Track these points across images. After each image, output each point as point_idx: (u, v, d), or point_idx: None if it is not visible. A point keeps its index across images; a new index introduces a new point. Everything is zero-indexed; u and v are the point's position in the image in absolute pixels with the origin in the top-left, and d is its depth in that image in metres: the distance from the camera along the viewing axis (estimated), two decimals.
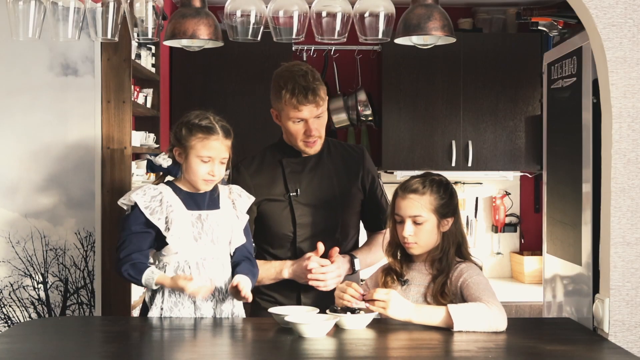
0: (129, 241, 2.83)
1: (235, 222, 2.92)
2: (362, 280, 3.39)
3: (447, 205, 2.76)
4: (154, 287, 2.81)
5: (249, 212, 3.03)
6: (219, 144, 2.86)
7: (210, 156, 2.84)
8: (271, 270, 3.06)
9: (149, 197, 2.84)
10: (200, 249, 2.85)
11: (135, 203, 2.83)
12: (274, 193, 3.08)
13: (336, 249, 2.98)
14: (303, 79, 2.94)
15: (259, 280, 3.05)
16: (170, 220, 2.81)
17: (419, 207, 2.73)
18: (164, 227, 2.81)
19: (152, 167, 2.95)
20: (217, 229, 2.87)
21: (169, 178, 2.96)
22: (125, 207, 2.89)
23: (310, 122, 2.97)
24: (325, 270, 2.95)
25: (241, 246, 2.94)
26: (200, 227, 2.85)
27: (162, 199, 2.84)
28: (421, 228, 2.74)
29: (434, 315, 2.60)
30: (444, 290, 2.70)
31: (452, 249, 2.76)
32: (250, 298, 2.80)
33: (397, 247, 2.83)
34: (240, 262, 2.93)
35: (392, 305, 2.58)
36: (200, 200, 2.89)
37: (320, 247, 2.96)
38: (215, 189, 2.93)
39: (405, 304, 2.61)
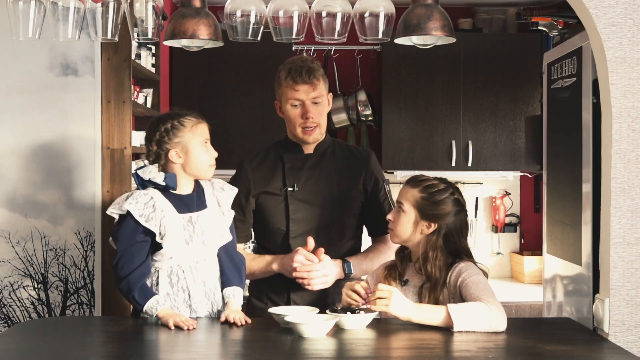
0: (129, 255, 2.79)
1: (221, 219, 2.92)
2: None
3: (429, 209, 2.75)
4: (152, 318, 2.77)
5: (246, 204, 3.07)
6: (205, 125, 2.91)
7: (207, 138, 2.89)
8: (262, 263, 3.08)
9: (142, 204, 2.80)
10: (192, 252, 2.84)
11: (128, 212, 2.79)
12: (272, 187, 3.09)
13: (321, 250, 2.98)
14: (301, 62, 3.03)
15: (252, 273, 3.08)
16: (163, 225, 2.79)
17: (404, 196, 2.79)
18: (158, 233, 2.80)
19: (142, 184, 2.87)
20: (207, 229, 2.86)
21: None
22: (115, 216, 2.84)
23: (307, 105, 3.00)
24: (310, 268, 2.95)
25: (226, 244, 2.92)
26: (192, 229, 2.84)
27: (154, 204, 2.81)
28: (399, 216, 2.78)
29: (434, 315, 2.60)
30: (437, 303, 2.70)
31: (436, 258, 2.73)
32: (249, 320, 2.77)
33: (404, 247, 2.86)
34: (224, 269, 2.91)
35: (393, 302, 2.59)
36: (190, 202, 2.88)
37: (310, 242, 2.96)
38: (199, 187, 2.92)
39: (406, 302, 2.61)
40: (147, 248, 2.81)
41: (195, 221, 2.85)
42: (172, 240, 2.79)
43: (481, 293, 2.63)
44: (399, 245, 2.89)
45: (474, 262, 2.78)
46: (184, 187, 2.88)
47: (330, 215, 3.09)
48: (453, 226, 2.77)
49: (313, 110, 3.01)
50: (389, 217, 2.82)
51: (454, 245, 2.77)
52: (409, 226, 2.77)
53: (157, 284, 2.82)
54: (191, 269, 2.84)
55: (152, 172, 2.86)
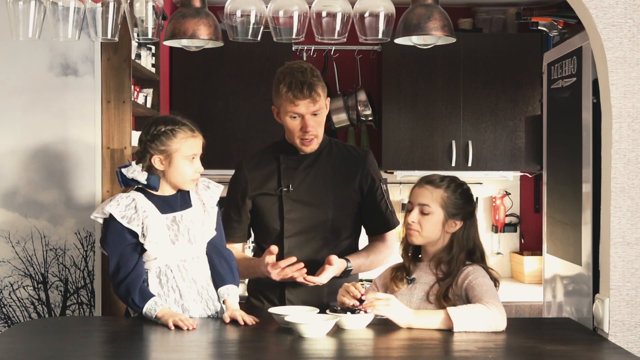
0: (123, 258, 2.79)
1: (207, 217, 2.91)
2: (360, 280, 3.40)
3: (459, 207, 2.78)
4: (152, 319, 2.76)
5: (243, 204, 3.08)
6: (198, 140, 2.88)
7: (195, 153, 2.86)
8: (249, 270, 3.10)
9: (123, 206, 2.81)
10: (179, 251, 2.84)
11: (111, 215, 2.80)
12: (268, 187, 3.10)
13: (333, 258, 2.95)
14: (301, 74, 2.97)
15: (242, 275, 3.08)
16: (145, 226, 2.80)
17: (429, 198, 2.78)
18: (141, 234, 2.80)
19: (125, 182, 2.87)
20: (192, 227, 2.86)
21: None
22: (100, 221, 2.85)
23: (306, 119, 2.99)
24: (315, 280, 2.93)
25: (211, 241, 2.92)
26: (177, 229, 2.84)
27: (136, 206, 2.81)
28: (426, 218, 2.77)
29: (433, 319, 2.61)
30: (447, 294, 2.71)
31: (461, 254, 2.77)
32: (255, 320, 2.77)
33: (409, 244, 2.85)
34: (215, 267, 2.91)
35: (392, 309, 2.59)
36: (174, 202, 2.88)
37: (274, 248, 2.94)
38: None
39: (405, 310, 2.61)
40: (139, 249, 2.81)
41: (179, 220, 2.85)
42: (155, 240, 2.80)
43: (483, 294, 2.64)
44: (398, 244, 2.89)
45: (485, 267, 2.79)
46: (167, 190, 2.89)
47: (326, 215, 3.09)
48: (474, 222, 2.82)
49: (312, 122, 3.01)
50: (411, 220, 2.78)
51: (473, 242, 2.80)
52: (438, 227, 2.78)
53: (147, 285, 2.82)
54: (179, 268, 2.85)
55: (135, 171, 2.85)
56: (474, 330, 2.57)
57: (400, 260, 2.92)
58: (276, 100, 3.05)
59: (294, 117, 3.00)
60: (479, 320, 2.57)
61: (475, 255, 2.80)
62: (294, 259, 2.92)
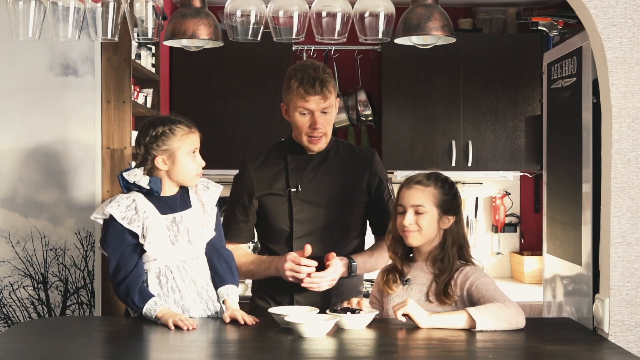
0: (123, 259, 2.79)
1: (206, 218, 2.91)
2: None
3: (450, 203, 2.79)
4: (152, 319, 2.76)
5: (250, 205, 3.07)
6: (196, 135, 2.89)
7: (196, 148, 2.87)
8: (261, 266, 3.09)
9: (124, 207, 2.81)
10: (178, 252, 2.84)
11: (111, 216, 2.80)
12: (276, 188, 3.09)
13: (333, 254, 2.97)
14: (313, 71, 2.98)
15: (252, 273, 3.08)
16: (145, 227, 2.80)
17: (422, 198, 2.77)
18: (141, 235, 2.80)
19: (127, 187, 2.87)
20: (192, 228, 2.86)
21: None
22: (100, 221, 2.85)
23: (316, 115, 2.99)
24: (321, 275, 2.94)
25: (210, 242, 2.92)
26: (176, 230, 2.84)
27: (136, 207, 2.82)
28: (422, 218, 2.77)
29: (454, 320, 2.60)
30: (447, 290, 2.71)
31: (454, 248, 2.78)
32: (255, 320, 2.77)
33: (398, 243, 2.84)
34: (215, 267, 2.91)
35: (412, 311, 2.59)
36: (173, 203, 2.88)
37: (308, 249, 2.95)
38: (183, 187, 2.92)
39: (423, 312, 2.61)
40: (139, 250, 2.81)
41: (179, 221, 2.85)
42: (155, 241, 2.80)
43: (494, 294, 2.66)
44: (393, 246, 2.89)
45: (470, 256, 2.82)
46: (168, 190, 2.89)
47: (334, 216, 3.08)
48: (461, 216, 2.84)
49: (321, 120, 3.00)
50: (407, 222, 2.77)
51: (463, 237, 2.82)
52: (434, 225, 2.78)
53: (147, 285, 2.82)
54: (179, 269, 2.84)
55: (137, 176, 2.85)
56: (495, 329, 2.57)
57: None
58: (286, 97, 3.04)
59: (304, 114, 3.00)
60: (501, 318, 2.58)
61: (464, 248, 2.81)
62: (315, 264, 2.93)
